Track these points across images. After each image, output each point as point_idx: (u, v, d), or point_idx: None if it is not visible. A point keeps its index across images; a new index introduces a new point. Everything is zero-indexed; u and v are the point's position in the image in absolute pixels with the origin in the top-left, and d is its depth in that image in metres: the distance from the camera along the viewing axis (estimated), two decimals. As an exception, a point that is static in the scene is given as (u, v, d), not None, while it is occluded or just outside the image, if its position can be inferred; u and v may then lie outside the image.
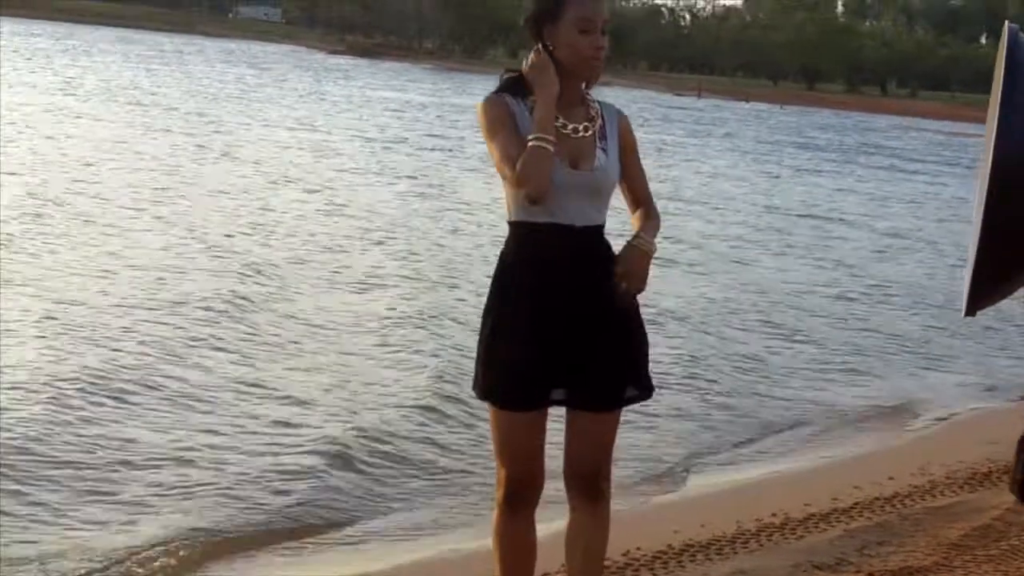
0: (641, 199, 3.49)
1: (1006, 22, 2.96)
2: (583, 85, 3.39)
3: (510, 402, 3.33)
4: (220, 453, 6.06)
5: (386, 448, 6.37)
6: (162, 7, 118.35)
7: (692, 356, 9.00)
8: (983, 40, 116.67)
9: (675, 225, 16.22)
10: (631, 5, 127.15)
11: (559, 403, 3.37)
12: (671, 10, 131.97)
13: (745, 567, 4.70)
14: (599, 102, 3.44)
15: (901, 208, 23.01)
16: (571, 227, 3.28)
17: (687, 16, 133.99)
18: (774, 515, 5.38)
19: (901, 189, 27.35)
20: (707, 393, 8.07)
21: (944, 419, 8.03)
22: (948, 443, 7.07)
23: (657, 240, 3.37)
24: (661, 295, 10.85)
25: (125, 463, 5.82)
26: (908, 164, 36.34)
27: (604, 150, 3.34)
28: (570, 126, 3.28)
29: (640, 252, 3.30)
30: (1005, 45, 2.89)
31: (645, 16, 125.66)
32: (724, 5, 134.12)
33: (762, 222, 18.90)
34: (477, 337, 3.44)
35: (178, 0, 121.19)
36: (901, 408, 8.26)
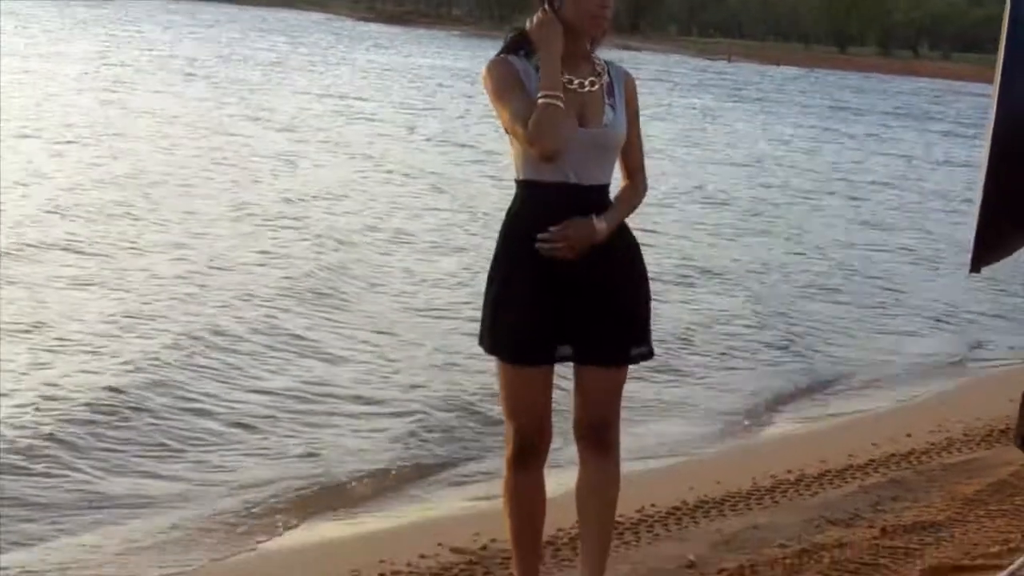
0: (633, 169, 3.48)
1: None
2: (588, 44, 3.36)
3: (518, 357, 3.33)
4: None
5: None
6: None
7: (713, 314, 8.99)
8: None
9: (721, 187, 16.56)
10: None
11: (566, 359, 3.38)
12: None
13: (759, 522, 4.71)
14: (607, 62, 3.43)
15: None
16: (578, 185, 3.28)
17: None
18: (789, 472, 5.41)
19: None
20: (728, 352, 8.02)
21: (966, 376, 8.03)
22: (969, 400, 7.07)
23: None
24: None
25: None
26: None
27: (612, 107, 3.34)
28: (576, 81, 3.28)
29: (588, 228, 3.25)
30: (1008, 5, 2.92)
31: None
32: None
33: (808, 183, 18.81)
34: (484, 292, 3.46)
35: None
36: (928, 365, 8.22)
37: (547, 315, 3.31)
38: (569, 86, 3.26)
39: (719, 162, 20.59)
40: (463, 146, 19.71)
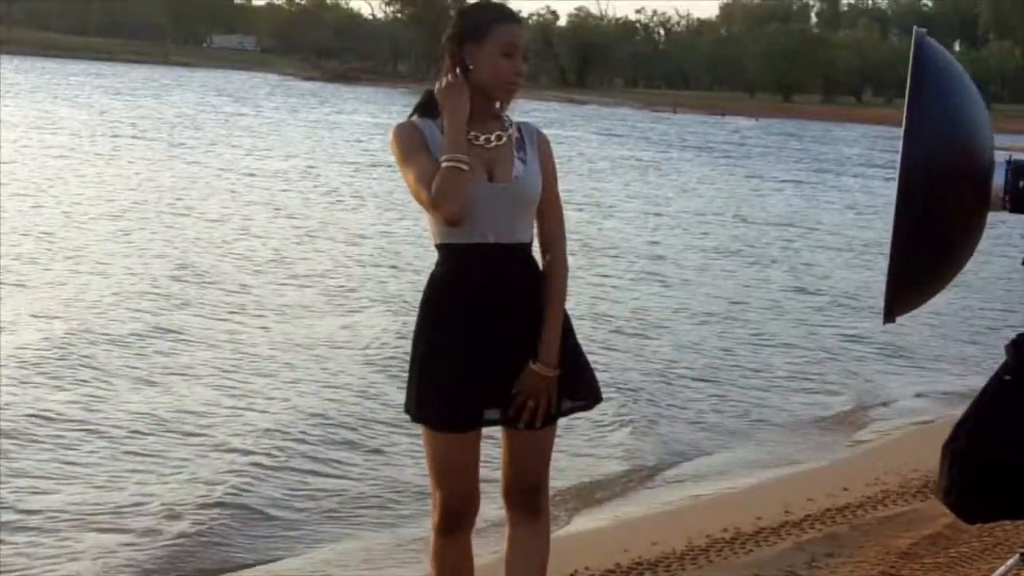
0: (550, 240, 3.40)
1: (914, 28, 2.92)
2: (498, 105, 3.35)
3: (444, 424, 3.29)
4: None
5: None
6: (134, 39, 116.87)
7: (644, 367, 8.96)
8: (956, 46, 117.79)
9: (653, 236, 16.65)
10: (604, 22, 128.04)
11: (494, 423, 3.34)
12: (645, 26, 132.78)
13: (693, 584, 4.82)
14: (518, 122, 3.39)
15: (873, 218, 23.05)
16: (497, 244, 3.24)
17: (661, 32, 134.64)
18: (725, 530, 5.34)
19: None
20: (657, 405, 7.96)
21: (900, 427, 7.97)
22: (903, 452, 7.01)
23: (564, 281, 3.25)
24: (621, 305, 11.22)
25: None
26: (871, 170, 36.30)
27: (523, 160, 3.30)
28: (482, 137, 3.25)
29: (539, 378, 3.23)
30: (912, 51, 2.88)
31: (619, 33, 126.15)
32: (698, 20, 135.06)
33: (730, 233, 18.87)
34: (408, 359, 3.41)
35: (150, 31, 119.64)
36: (858, 416, 8.19)
37: (473, 379, 3.26)
38: (475, 142, 3.23)
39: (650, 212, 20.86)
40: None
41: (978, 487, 3.11)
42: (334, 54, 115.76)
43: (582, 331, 9.21)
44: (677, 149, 41.41)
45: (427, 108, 3.34)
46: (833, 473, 6.69)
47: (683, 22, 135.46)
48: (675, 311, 11.77)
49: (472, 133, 3.24)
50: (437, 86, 3.32)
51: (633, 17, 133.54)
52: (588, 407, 3.49)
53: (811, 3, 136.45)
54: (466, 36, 3.27)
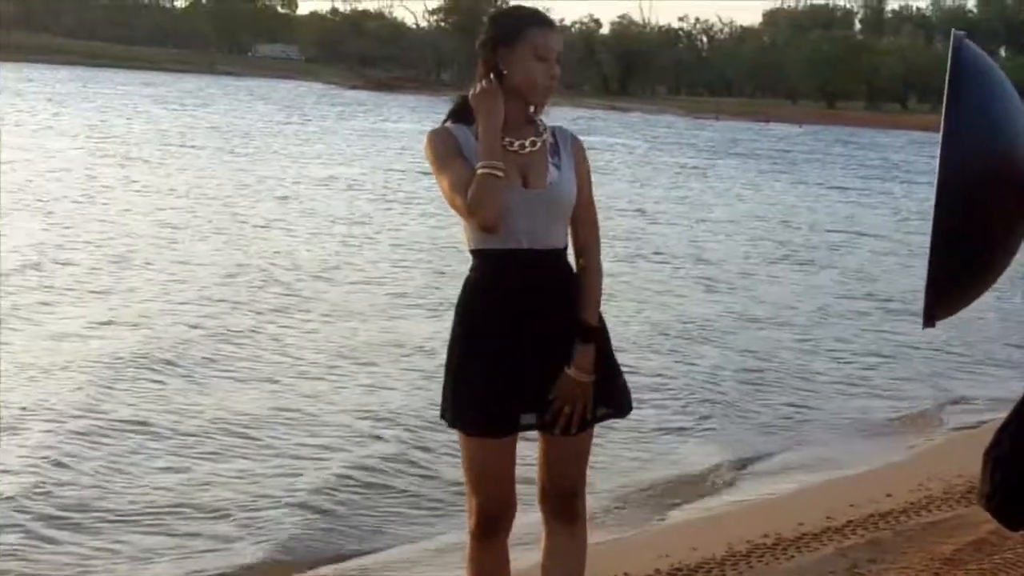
0: (584, 245, 3.38)
1: (952, 30, 2.89)
2: (533, 109, 3.34)
3: (481, 430, 3.28)
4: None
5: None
6: (180, 48, 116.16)
7: (688, 372, 8.92)
8: (1002, 52, 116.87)
9: (693, 241, 16.71)
10: (647, 30, 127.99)
11: (530, 427, 3.33)
12: (688, 33, 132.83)
13: (734, 590, 4.78)
14: (553, 126, 3.38)
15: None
16: (531, 251, 3.23)
17: (704, 39, 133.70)
18: (766, 536, 5.31)
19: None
20: (700, 410, 7.89)
21: (944, 432, 7.93)
22: (948, 457, 6.96)
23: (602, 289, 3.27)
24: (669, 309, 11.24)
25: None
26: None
27: (557, 166, 3.28)
28: (516, 143, 3.23)
29: (574, 384, 3.23)
30: (950, 54, 2.90)
31: (662, 40, 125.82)
32: (741, 27, 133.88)
33: (775, 237, 18.82)
34: (444, 366, 3.40)
35: (195, 40, 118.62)
36: (903, 421, 8.14)
37: (508, 384, 3.25)
38: (510, 148, 3.21)
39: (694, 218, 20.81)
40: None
41: (1021, 492, 3.08)
42: (378, 63, 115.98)
43: (627, 336, 9.47)
44: (723, 156, 40.99)
45: (461, 114, 3.34)
46: (877, 478, 6.63)
47: (726, 29, 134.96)
48: (720, 315, 11.67)
49: (507, 139, 3.23)
50: (471, 92, 3.31)
51: (676, 24, 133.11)
52: (622, 415, 3.48)
53: (855, 10, 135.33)
54: (499, 41, 3.26)
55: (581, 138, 3.48)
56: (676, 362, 9.46)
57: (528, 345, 3.26)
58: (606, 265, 3.49)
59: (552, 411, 3.25)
